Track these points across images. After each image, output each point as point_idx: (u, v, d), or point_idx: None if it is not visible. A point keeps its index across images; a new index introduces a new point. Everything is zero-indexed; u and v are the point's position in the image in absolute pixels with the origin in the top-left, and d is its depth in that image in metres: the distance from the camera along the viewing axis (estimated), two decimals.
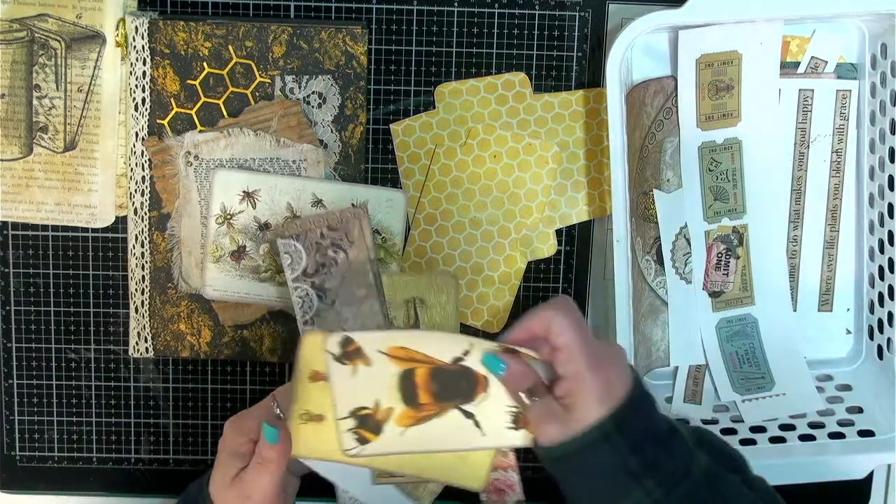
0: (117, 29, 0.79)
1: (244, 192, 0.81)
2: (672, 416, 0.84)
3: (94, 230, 0.83)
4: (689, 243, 0.86)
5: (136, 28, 0.79)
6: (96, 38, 0.79)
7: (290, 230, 0.65)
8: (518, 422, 0.67)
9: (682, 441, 0.67)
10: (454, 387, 0.68)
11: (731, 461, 0.69)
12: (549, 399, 0.66)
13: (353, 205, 0.74)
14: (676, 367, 0.87)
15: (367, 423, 0.67)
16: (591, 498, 0.67)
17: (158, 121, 0.80)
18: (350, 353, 0.67)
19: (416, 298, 0.69)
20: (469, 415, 0.68)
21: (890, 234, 0.82)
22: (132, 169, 0.81)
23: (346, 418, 0.67)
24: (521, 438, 0.67)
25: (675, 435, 0.67)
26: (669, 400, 0.88)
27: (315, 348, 0.67)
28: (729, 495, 0.66)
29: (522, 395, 0.67)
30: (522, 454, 0.71)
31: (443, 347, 0.67)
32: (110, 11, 0.79)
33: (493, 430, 0.68)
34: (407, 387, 0.67)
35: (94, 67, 0.80)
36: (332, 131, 0.81)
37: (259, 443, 0.68)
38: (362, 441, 0.67)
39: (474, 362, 0.66)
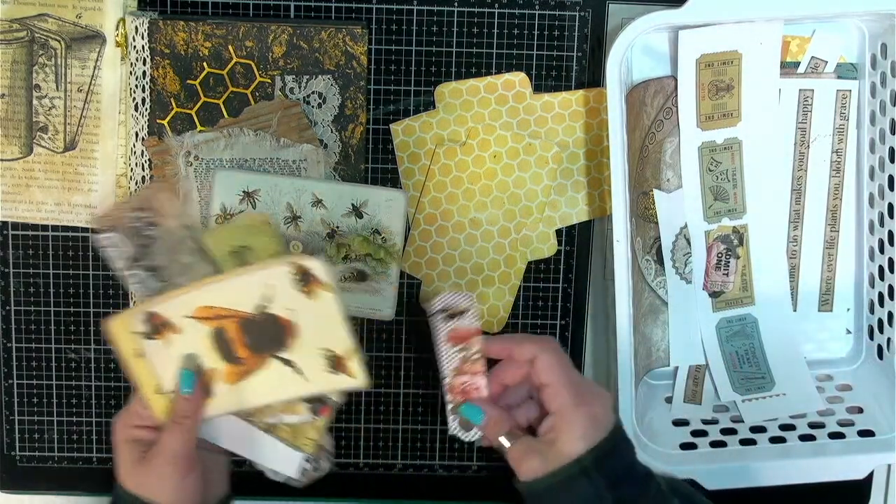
0: (117, 29, 0.79)
1: (244, 192, 0.81)
2: (677, 415, 0.85)
3: (94, 230, 0.83)
4: (689, 243, 0.86)
5: (136, 28, 0.79)
6: (96, 38, 0.79)
7: (103, 224, 0.66)
8: (336, 365, 0.69)
9: (658, 486, 0.71)
10: (265, 336, 0.69)
11: None
12: (528, 437, 0.71)
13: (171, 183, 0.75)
14: (676, 367, 0.87)
15: None
16: None
17: (158, 121, 0.80)
18: (158, 327, 0.69)
19: (240, 247, 0.69)
20: (288, 362, 0.70)
21: (890, 234, 0.82)
22: (132, 169, 0.81)
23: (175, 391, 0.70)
24: (345, 382, 0.69)
25: (651, 479, 0.71)
26: (669, 400, 0.88)
27: (123, 332, 0.69)
28: None
29: (502, 439, 0.71)
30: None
31: (244, 296, 0.68)
32: (110, 11, 0.79)
33: (314, 376, 0.70)
34: (221, 344, 0.70)
35: (94, 67, 0.80)
36: (332, 131, 0.81)
37: (175, 400, 0.70)
38: None
39: (279, 308, 0.68)
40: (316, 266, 0.66)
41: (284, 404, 0.72)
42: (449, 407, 0.74)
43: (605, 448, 0.68)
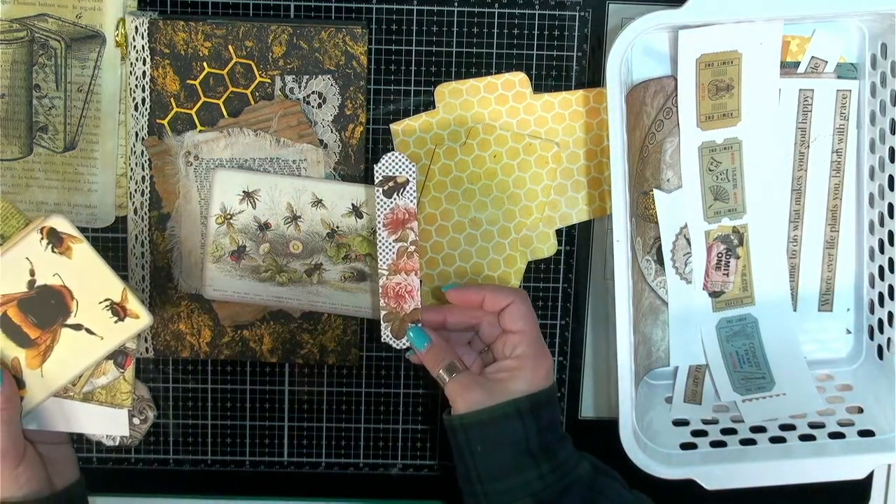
0: (117, 29, 0.79)
1: (244, 192, 0.81)
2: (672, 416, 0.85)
3: (94, 230, 0.82)
4: (689, 243, 0.86)
5: (136, 28, 0.79)
6: (96, 37, 0.79)
7: None
8: (119, 312, 0.71)
9: (573, 448, 0.76)
10: (47, 308, 0.71)
11: (609, 474, 0.77)
12: (470, 372, 0.75)
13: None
14: (676, 367, 0.87)
15: None
16: (488, 468, 0.72)
17: (158, 121, 0.80)
18: None
19: None
20: (78, 327, 0.71)
21: (890, 234, 0.82)
22: (132, 169, 0.81)
23: None
24: (133, 325, 0.71)
25: (567, 439, 0.76)
26: (669, 400, 0.88)
27: None
28: (610, 494, 0.74)
29: (442, 371, 0.74)
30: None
31: (10, 278, 0.70)
32: (110, 11, 0.79)
33: (105, 331, 0.71)
34: (12, 331, 0.71)
35: (94, 67, 0.80)
36: (332, 131, 0.81)
37: None
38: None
39: (47, 277, 0.70)
40: (57, 222, 0.69)
41: (92, 369, 0.74)
42: (383, 313, 0.76)
43: (542, 399, 0.74)
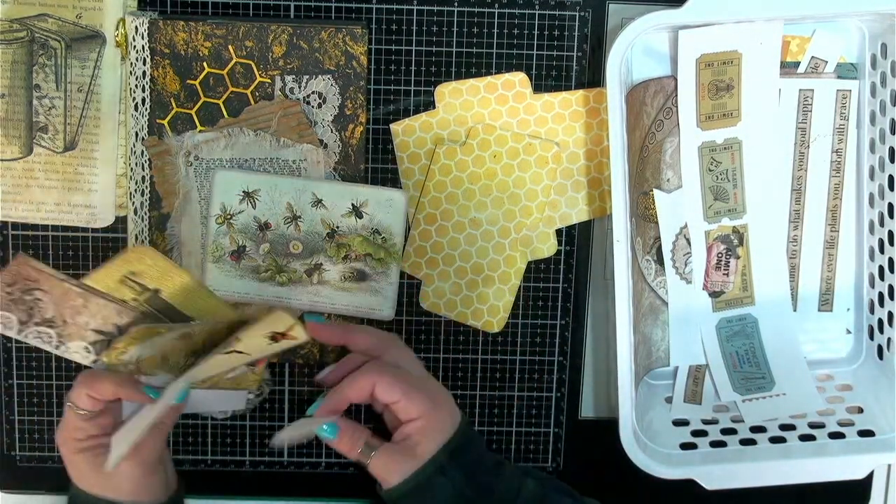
0: (117, 29, 0.79)
1: (244, 192, 0.81)
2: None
3: (94, 230, 0.83)
4: (689, 243, 0.86)
5: (136, 28, 0.79)
6: (96, 37, 0.79)
7: None
8: (276, 339, 0.70)
9: (510, 469, 0.75)
10: (219, 344, 0.72)
11: (559, 488, 0.76)
12: (388, 445, 0.73)
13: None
14: (676, 367, 0.87)
15: None
16: None
17: (158, 121, 0.80)
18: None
19: (127, 274, 0.71)
20: (236, 352, 0.72)
21: (890, 234, 0.82)
22: (132, 169, 0.81)
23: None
24: (287, 344, 0.71)
25: (503, 465, 0.75)
26: (669, 400, 0.88)
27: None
28: None
29: (361, 451, 0.72)
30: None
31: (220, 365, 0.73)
32: (110, 11, 0.79)
33: (258, 350, 0.72)
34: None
35: (94, 67, 0.80)
36: (332, 131, 0.81)
37: (163, 406, 0.71)
38: None
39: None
40: (298, 334, 0.69)
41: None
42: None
43: (457, 444, 0.73)
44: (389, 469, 0.72)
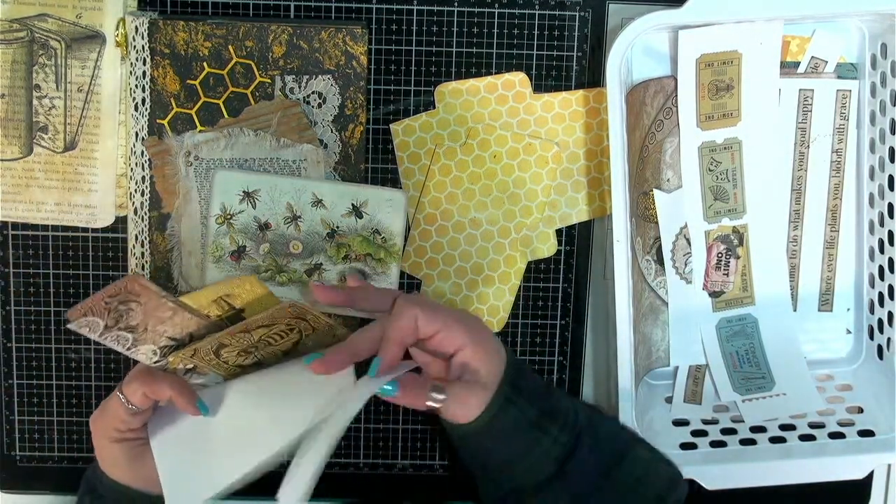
0: (117, 29, 0.79)
1: (244, 192, 0.81)
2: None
3: (94, 230, 0.83)
4: (689, 243, 0.86)
5: (136, 28, 0.79)
6: (96, 38, 0.79)
7: (73, 316, 0.66)
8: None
9: (560, 390, 0.76)
10: None
11: (601, 411, 0.77)
12: (454, 384, 0.69)
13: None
14: (676, 367, 0.87)
15: None
16: (506, 458, 0.71)
17: (158, 121, 0.80)
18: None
19: (223, 296, 0.71)
20: None
21: (890, 234, 0.82)
22: (132, 169, 0.81)
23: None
24: None
25: (552, 387, 0.75)
26: (669, 400, 0.88)
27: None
28: (609, 430, 0.74)
29: (430, 399, 0.69)
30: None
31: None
32: (110, 11, 0.79)
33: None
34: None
35: (94, 67, 0.80)
36: (332, 131, 0.81)
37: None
38: None
39: None
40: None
41: None
42: None
43: (513, 373, 0.71)
44: (464, 406, 0.69)
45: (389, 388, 0.68)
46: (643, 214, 0.83)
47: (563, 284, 0.86)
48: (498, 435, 0.70)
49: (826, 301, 0.88)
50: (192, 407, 0.71)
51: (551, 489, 0.70)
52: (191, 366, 0.71)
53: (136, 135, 0.81)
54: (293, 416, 0.71)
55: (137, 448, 0.72)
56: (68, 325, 0.66)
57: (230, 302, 0.71)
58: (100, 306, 0.65)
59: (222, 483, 0.70)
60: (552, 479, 0.70)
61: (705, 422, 0.87)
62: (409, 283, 0.84)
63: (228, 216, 0.81)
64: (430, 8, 0.81)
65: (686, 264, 0.86)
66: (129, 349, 0.69)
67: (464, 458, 0.75)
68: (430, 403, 0.69)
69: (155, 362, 0.71)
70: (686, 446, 0.84)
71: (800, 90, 0.85)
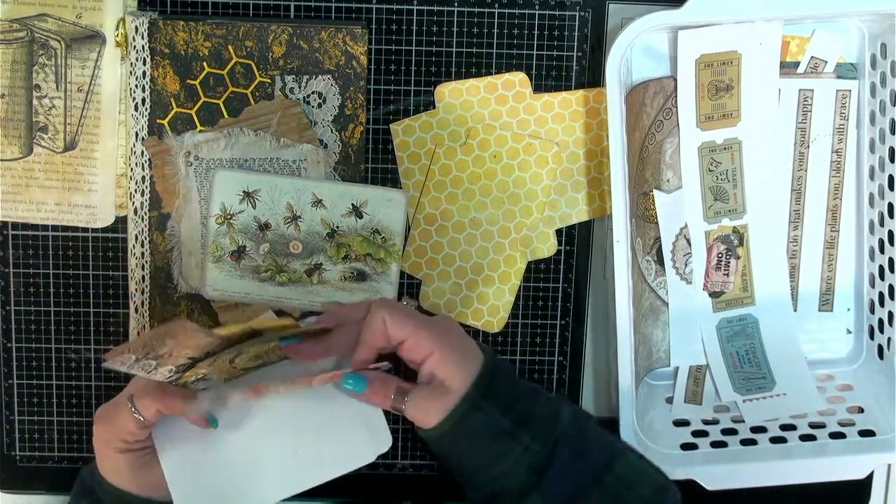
0: (117, 29, 0.79)
1: (244, 192, 0.81)
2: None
3: (94, 230, 0.83)
4: (690, 243, 0.86)
5: (136, 28, 0.79)
6: (96, 37, 0.79)
7: (111, 356, 0.66)
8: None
9: (546, 396, 0.73)
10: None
11: (591, 418, 0.76)
12: (420, 387, 0.71)
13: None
14: (677, 368, 0.87)
15: None
16: (477, 463, 0.71)
17: (158, 121, 0.81)
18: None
19: (251, 329, 0.71)
20: None
21: (890, 233, 0.82)
22: (132, 169, 0.81)
23: None
24: None
25: (539, 392, 0.73)
26: (670, 400, 0.88)
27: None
28: (597, 437, 0.73)
29: (395, 398, 0.71)
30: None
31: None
32: (110, 11, 0.79)
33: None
34: None
35: (94, 67, 0.80)
36: (332, 131, 0.81)
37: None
38: None
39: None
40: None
41: None
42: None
43: (486, 377, 0.70)
44: (426, 410, 0.70)
45: (353, 384, 0.71)
46: (643, 215, 0.83)
47: (563, 284, 0.86)
48: (462, 441, 0.71)
49: (826, 301, 0.88)
50: (205, 422, 0.72)
51: (530, 498, 0.70)
52: (201, 375, 0.71)
53: (136, 135, 0.81)
54: (317, 458, 0.73)
55: (142, 458, 0.73)
56: (104, 365, 0.66)
57: (257, 329, 0.70)
58: (137, 347, 0.65)
59: None
60: (530, 489, 0.70)
61: (706, 422, 0.87)
62: (409, 283, 0.84)
63: (228, 216, 0.81)
64: (430, 8, 0.81)
65: (686, 265, 0.86)
66: (149, 373, 0.68)
67: (438, 460, 0.75)
68: (395, 402, 0.71)
69: (171, 380, 0.70)
70: (687, 447, 0.84)
71: (799, 90, 0.85)
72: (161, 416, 0.71)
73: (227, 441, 0.74)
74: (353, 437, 0.74)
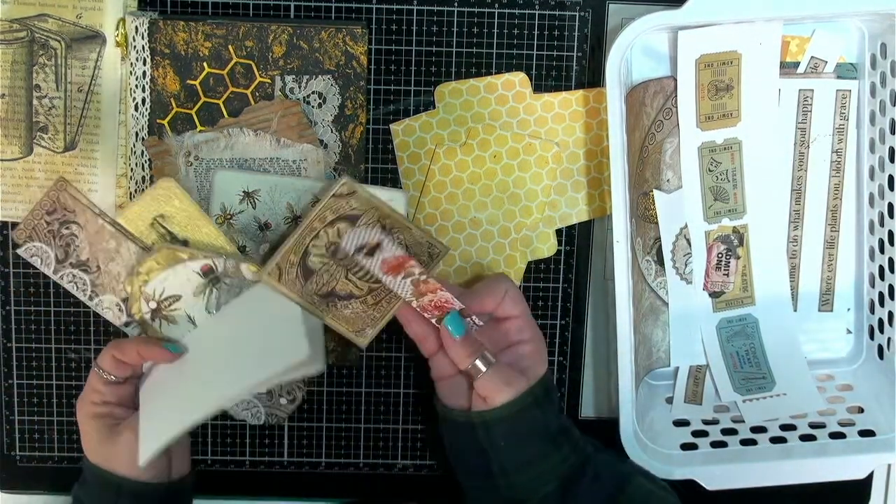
0: (117, 29, 0.79)
1: (244, 192, 0.81)
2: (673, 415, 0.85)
3: (14, 245, 0.82)
4: (690, 243, 0.86)
5: (136, 28, 0.79)
6: (96, 38, 0.79)
7: (21, 237, 0.69)
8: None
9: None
10: None
11: (601, 448, 0.78)
12: (503, 364, 0.73)
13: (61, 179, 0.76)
14: (677, 368, 0.87)
15: None
16: (513, 461, 0.72)
17: (158, 121, 0.81)
18: None
19: (156, 217, 0.73)
20: None
21: (890, 233, 0.82)
22: (132, 169, 0.81)
23: None
24: None
25: (564, 412, 0.79)
26: (670, 400, 0.88)
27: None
28: (609, 461, 0.75)
29: (478, 361, 0.72)
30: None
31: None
32: (110, 11, 0.79)
33: None
34: None
35: (94, 67, 0.80)
36: (332, 131, 0.81)
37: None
38: None
39: None
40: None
41: None
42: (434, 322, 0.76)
43: (550, 381, 0.76)
44: (498, 386, 0.71)
45: (454, 326, 0.73)
46: (643, 215, 0.83)
47: (563, 284, 0.86)
48: (513, 432, 0.71)
49: (826, 301, 0.88)
50: (161, 350, 0.73)
51: None
52: (154, 307, 0.73)
53: (136, 135, 0.81)
54: (259, 357, 0.73)
55: (110, 426, 0.73)
56: (17, 251, 0.68)
57: (167, 227, 0.71)
58: (42, 226, 0.67)
59: (188, 420, 0.71)
60: (552, 500, 0.71)
61: (706, 422, 0.87)
62: None
63: (228, 216, 0.81)
64: (430, 8, 0.81)
65: (686, 265, 0.86)
66: (91, 299, 0.71)
67: (466, 461, 0.74)
68: (478, 363, 0.72)
69: (124, 324, 0.74)
70: (687, 447, 0.84)
71: (799, 90, 0.85)
72: (133, 382, 0.74)
73: (187, 364, 0.75)
74: (288, 333, 0.74)
